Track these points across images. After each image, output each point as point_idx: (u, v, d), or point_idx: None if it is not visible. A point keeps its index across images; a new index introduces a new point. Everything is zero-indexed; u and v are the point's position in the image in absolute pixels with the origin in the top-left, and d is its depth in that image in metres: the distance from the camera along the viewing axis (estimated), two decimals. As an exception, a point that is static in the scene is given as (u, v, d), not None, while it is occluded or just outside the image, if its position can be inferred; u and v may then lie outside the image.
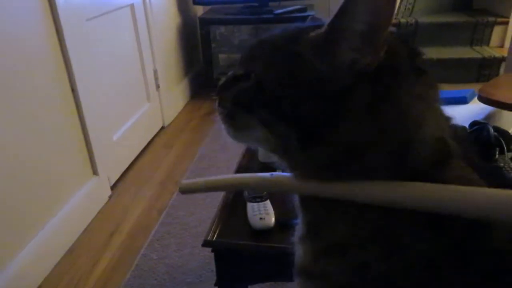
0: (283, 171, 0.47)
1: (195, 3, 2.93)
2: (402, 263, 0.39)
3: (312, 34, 0.40)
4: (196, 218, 1.69)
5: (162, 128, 2.56)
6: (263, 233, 0.92)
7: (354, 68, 0.38)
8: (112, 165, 1.95)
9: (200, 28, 2.92)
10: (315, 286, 0.44)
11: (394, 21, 3.15)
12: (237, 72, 0.46)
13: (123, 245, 1.60)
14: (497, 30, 3.07)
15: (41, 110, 1.47)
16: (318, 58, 0.39)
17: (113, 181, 1.96)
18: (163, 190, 1.94)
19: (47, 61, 1.50)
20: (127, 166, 2.10)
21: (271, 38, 0.45)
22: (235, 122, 0.45)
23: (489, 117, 1.53)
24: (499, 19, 3.05)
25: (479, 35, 3.10)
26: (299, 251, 0.46)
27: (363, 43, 0.37)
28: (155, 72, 2.44)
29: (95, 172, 1.79)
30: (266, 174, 0.49)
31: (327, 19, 0.40)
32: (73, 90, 1.63)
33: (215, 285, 0.99)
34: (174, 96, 2.74)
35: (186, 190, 0.54)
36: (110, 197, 1.89)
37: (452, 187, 0.38)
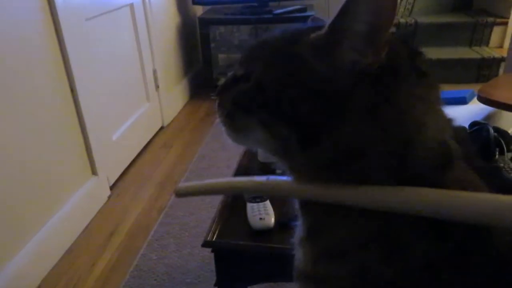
0: (282, 172, 0.47)
1: (194, 3, 2.93)
2: (402, 266, 0.38)
3: (313, 35, 0.40)
4: (195, 218, 1.69)
5: (162, 128, 2.56)
6: (263, 234, 0.92)
7: (355, 69, 0.37)
8: (112, 165, 1.95)
9: (199, 28, 2.92)
10: None
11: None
12: (236, 73, 0.46)
13: (122, 245, 1.60)
14: (496, 31, 3.07)
15: (40, 110, 1.46)
16: (318, 59, 0.39)
17: (112, 181, 1.95)
18: (162, 190, 1.93)
19: (46, 61, 1.50)
20: (126, 166, 2.10)
21: (271, 39, 0.45)
22: (235, 123, 0.45)
23: (488, 117, 1.54)
24: (499, 20, 3.05)
25: (479, 36, 3.11)
26: (299, 254, 0.46)
27: (364, 44, 0.37)
28: (155, 72, 2.43)
29: (94, 172, 1.79)
30: (263, 178, 0.48)
31: (327, 19, 0.40)
32: (72, 90, 1.63)
33: (215, 285, 0.99)
34: (174, 96, 2.74)
35: (182, 194, 0.53)
36: (109, 197, 1.88)
37: (453, 192, 0.37)
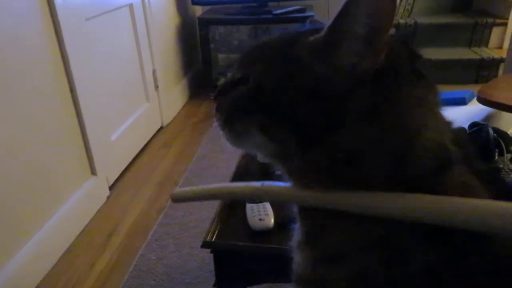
0: (282, 173, 0.47)
1: (194, 3, 2.93)
2: (402, 269, 0.38)
3: (312, 37, 0.40)
4: (195, 219, 1.69)
5: (161, 128, 2.56)
6: (262, 234, 0.92)
7: (354, 71, 0.37)
8: (111, 165, 1.95)
9: (199, 28, 2.92)
10: None
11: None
12: (234, 76, 0.45)
13: (122, 245, 1.60)
14: (496, 31, 3.07)
15: (40, 110, 1.46)
16: (317, 62, 0.39)
17: (111, 181, 1.95)
18: (161, 190, 1.93)
19: (46, 60, 1.50)
20: (125, 166, 2.10)
21: (269, 41, 0.44)
22: (234, 127, 0.45)
23: (488, 118, 1.54)
24: (498, 20, 3.05)
25: (478, 36, 3.11)
26: (297, 258, 0.46)
27: (364, 46, 0.36)
28: (154, 72, 2.43)
29: (93, 172, 1.79)
30: (258, 183, 0.48)
31: (327, 19, 0.40)
32: (72, 89, 1.63)
33: (214, 285, 0.99)
34: (173, 96, 2.74)
35: (179, 199, 0.53)
36: (108, 197, 1.88)
37: (453, 199, 0.37)
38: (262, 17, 2.80)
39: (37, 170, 1.45)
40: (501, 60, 2.83)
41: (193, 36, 3.11)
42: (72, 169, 1.67)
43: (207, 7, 3.16)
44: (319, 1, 2.92)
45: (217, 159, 2.11)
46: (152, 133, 2.45)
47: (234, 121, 0.44)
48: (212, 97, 0.48)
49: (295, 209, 0.47)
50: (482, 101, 1.55)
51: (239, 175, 1.13)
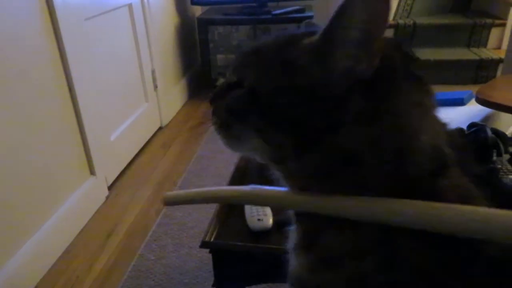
0: (278, 179, 0.46)
1: (193, 3, 2.93)
2: (398, 273, 0.38)
3: (306, 40, 0.40)
4: (193, 219, 1.69)
5: (160, 128, 2.56)
6: (261, 234, 0.92)
7: (349, 74, 0.37)
8: (110, 165, 1.95)
9: (198, 28, 2.92)
10: None
11: (392, 22, 3.16)
12: (229, 80, 0.45)
13: (120, 245, 1.60)
14: (494, 32, 3.08)
15: (39, 109, 1.46)
16: (312, 65, 0.39)
17: (110, 181, 1.95)
18: (160, 190, 1.93)
19: (45, 60, 1.50)
20: (124, 166, 2.10)
21: (264, 44, 0.44)
22: (230, 131, 0.44)
23: (486, 118, 1.54)
24: (497, 21, 3.06)
25: (477, 37, 3.11)
26: (293, 260, 0.46)
27: (359, 50, 0.36)
28: (153, 72, 2.43)
29: (92, 172, 1.79)
30: (248, 187, 0.48)
31: (326, 20, 0.39)
32: (71, 89, 1.63)
33: (213, 286, 0.99)
34: (172, 96, 2.74)
35: (170, 202, 0.53)
36: (107, 197, 1.88)
37: (450, 206, 0.37)
38: (262, 17, 2.80)
39: (36, 170, 1.45)
40: (500, 60, 2.83)
41: (192, 36, 3.11)
42: (71, 169, 1.67)
43: (206, 7, 3.16)
44: (318, 1, 2.92)
45: (216, 159, 2.11)
46: (151, 133, 2.45)
47: (230, 125, 0.44)
48: (209, 101, 0.47)
49: (291, 211, 0.47)
50: (481, 101, 1.55)
51: (238, 176, 1.13)
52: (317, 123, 0.38)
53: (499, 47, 3.08)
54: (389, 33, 3.14)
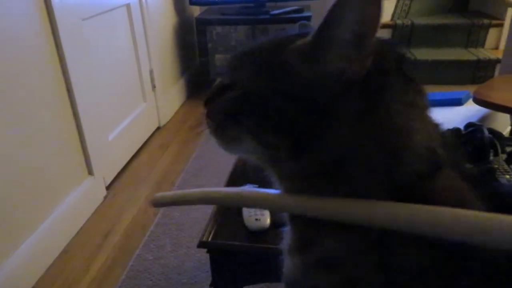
0: (273, 182, 0.46)
1: (191, 3, 2.93)
2: (395, 274, 0.38)
3: (299, 42, 0.40)
4: (191, 219, 1.69)
5: (158, 128, 2.56)
6: (259, 234, 0.92)
7: (341, 76, 0.37)
8: (108, 165, 1.95)
9: (196, 28, 2.92)
10: None
11: (390, 22, 3.17)
12: (223, 82, 0.45)
13: (118, 245, 1.60)
14: (492, 32, 3.09)
15: (36, 110, 1.46)
16: (305, 67, 0.39)
17: (108, 181, 1.95)
18: (159, 190, 1.93)
19: (43, 61, 1.50)
20: (122, 166, 2.10)
21: (257, 46, 0.44)
22: (225, 134, 0.44)
23: (484, 119, 1.54)
24: (494, 21, 3.07)
25: (475, 37, 3.12)
26: (288, 262, 0.45)
27: (350, 51, 0.36)
28: (151, 72, 2.43)
29: (90, 172, 1.79)
30: (238, 189, 0.48)
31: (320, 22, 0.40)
32: (69, 90, 1.63)
33: (211, 285, 1.00)
34: (170, 96, 2.73)
35: (159, 204, 0.53)
36: (105, 197, 1.88)
37: (446, 210, 0.36)
38: (260, 17, 2.80)
39: (34, 170, 1.45)
40: (497, 60, 2.84)
41: (191, 36, 3.11)
42: (69, 169, 1.67)
43: (205, 7, 3.16)
44: (316, 2, 2.92)
45: (214, 159, 2.11)
46: (149, 134, 2.45)
47: (225, 128, 0.44)
48: (203, 103, 0.47)
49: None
50: (478, 101, 1.55)
51: (235, 175, 1.13)
52: (310, 124, 0.38)
53: (496, 47, 3.09)
54: (387, 33, 3.15)
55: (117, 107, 2.07)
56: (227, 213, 0.99)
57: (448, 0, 3.40)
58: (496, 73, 2.86)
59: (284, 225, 0.48)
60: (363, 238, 0.39)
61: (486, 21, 3.08)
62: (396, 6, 3.25)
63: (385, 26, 3.13)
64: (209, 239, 0.92)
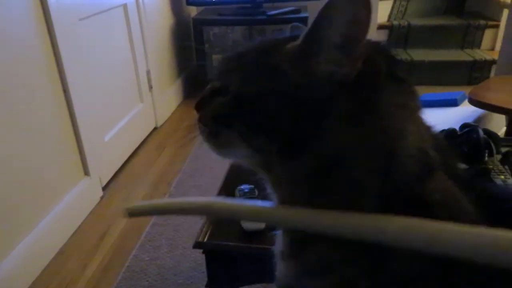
0: (266, 186, 0.46)
1: (188, 3, 2.93)
2: (387, 279, 0.38)
3: (289, 45, 0.40)
4: (188, 219, 1.69)
5: (155, 129, 2.56)
6: (254, 235, 0.92)
7: (332, 79, 0.37)
8: (104, 165, 1.94)
9: (193, 28, 2.92)
10: None
11: (387, 23, 3.18)
12: (214, 86, 0.45)
13: (115, 246, 1.59)
14: (488, 33, 3.10)
15: (32, 110, 1.46)
16: (295, 70, 0.38)
17: (104, 181, 1.95)
18: (155, 191, 1.93)
19: (39, 61, 1.49)
20: (119, 166, 2.09)
21: (247, 50, 0.44)
22: (217, 139, 0.44)
23: (479, 119, 1.55)
24: (490, 22, 3.08)
25: (471, 38, 3.14)
26: (280, 266, 0.45)
27: (340, 55, 0.36)
28: (148, 72, 2.43)
29: (86, 172, 1.78)
30: (211, 199, 0.48)
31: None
32: (65, 90, 1.62)
33: (206, 286, 1.00)
34: (167, 97, 2.73)
35: (133, 214, 0.52)
36: (101, 198, 1.88)
37: (446, 225, 0.36)
38: (257, 18, 2.80)
39: (30, 171, 1.45)
40: (493, 61, 2.85)
41: (188, 37, 3.11)
42: (65, 169, 1.66)
43: (202, 8, 3.16)
44: (313, 2, 2.93)
45: (211, 159, 2.09)
46: (146, 134, 2.44)
47: (217, 133, 0.43)
48: (194, 107, 0.47)
49: None
50: (474, 102, 1.56)
51: (231, 176, 1.13)
52: (301, 127, 0.38)
53: (492, 48, 3.10)
54: (383, 34, 3.16)
55: (113, 107, 2.07)
56: (223, 214, 0.99)
57: (444, 1, 3.42)
58: (492, 74, 2.88)
59: (276, 228, 0.48)
60: (355, 243, 0.39)
61: (482, 22, 3.09)
62: (392, 7, 3.26)
63: (381, 27, 3.14)
64: (205, 240, 0.92)
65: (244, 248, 0.92)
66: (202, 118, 0.45)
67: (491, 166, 0.99)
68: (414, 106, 0.41)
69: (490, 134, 1.06)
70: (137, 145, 2.31)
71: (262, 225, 0.92)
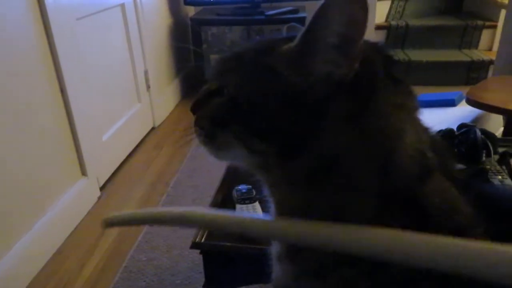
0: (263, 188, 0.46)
1: (186, 3, 2.92)
2: (385, 280, 0.38)
3: (285, 46, 0.40)
4: (186, 220, 1.68)
5: (153, 128, 2.55)
6: (252, 235, 0.92)
7: (329, 79, 0.37)
8: (102, 165, 1.94)
9: (191, 28, 2.92)
10: None
11: (384, 23, 3.18)
12: (210, 87, 0.45)
13: (112, 246, 1.59)
14: (486, 34, 3.11)
15: (30, 110, 1.45)
16: (292, 71, 0.38)
17: (102, 182, 1.94)
18: (153, 191, 1.93)
19: (36, 61, 1.49)
20: (116, 166, 2.09)
21: (244, 51, 0.44)
22: (214, 141, 0.44)
23: (477, 119, 1.55)
24: (488, 23, 3.09)
25: (468, 38, 3.14)
26: (277, 268, 0.45)
27: (337, 55, 0.36)
28: (146, 72, 2.42)
29: (84, 172, 1.78)
30: (188, 209, 0.47)
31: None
32: (62, 90, 1.62)
33: (204, 286, 0.99)
34: (165, 96, 2.73)
35: (111, 224, 0.52)
36: (99, 198, 1.87)
37: (447, 240, 0.35)
38: (255, 18, 2.80)
39: (27, 171, 1.44)
40: (491, 62, 2.86)
41: (186, 37, 3.11)
42: (63, 169, 1.66)
43: (200, 8, 3.15)
44: (311, 2, 2.93)
45: (209, 160, 2.11)
46: (144, 134, 2.44)
47: (214, 136, 0.43)
48: (190, 109, 0.46)
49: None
50: (471, 102, 1.56)
51: (229, 177, 1.13)
52: (299, 128, 0.38)
53: (490, 49, 3.11)
54: (381, 34, 3.16)
55: (111, 107, 2.06)
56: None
57: (442, 2, 3.42)
58: (490, 74, 2.88)
59: None
60: None
61: (479, 22, 3.10)
62: (390, 7, 3.26)
63: (379, 27, 3.14)
64: (202, 240, 0.92)
65: (241, 249, 0.91)
66: (199, 121, 0.45)
67: (488, 167, 0.99)
68: (411, 106, 0.41)
69: (488, 135, 1.07)
70: (135, 145, 2.31)
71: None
